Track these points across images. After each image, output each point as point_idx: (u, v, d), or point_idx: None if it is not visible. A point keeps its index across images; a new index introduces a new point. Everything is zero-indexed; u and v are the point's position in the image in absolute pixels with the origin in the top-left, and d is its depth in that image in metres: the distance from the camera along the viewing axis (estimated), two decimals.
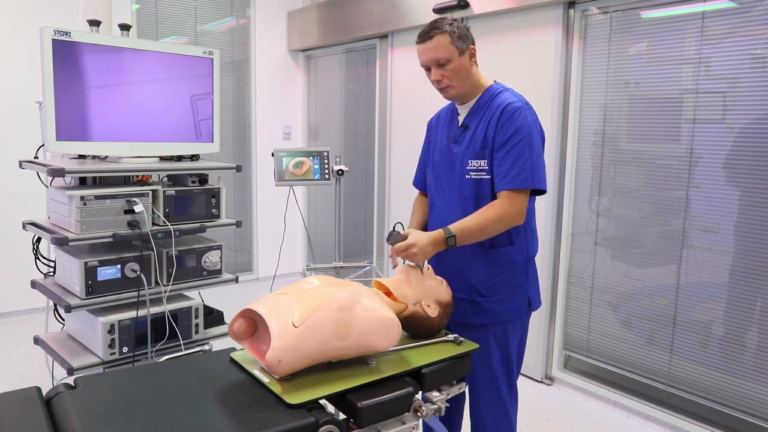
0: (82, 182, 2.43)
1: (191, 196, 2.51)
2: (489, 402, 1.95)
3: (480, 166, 1.85)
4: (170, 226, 2.40)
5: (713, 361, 2.78)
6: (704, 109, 2.73)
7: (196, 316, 2.53)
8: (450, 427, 2.13)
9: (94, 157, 2.49)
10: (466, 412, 2.11)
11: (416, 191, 2.27)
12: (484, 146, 1.84)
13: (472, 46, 1.85)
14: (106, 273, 2.28)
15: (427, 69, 1.87)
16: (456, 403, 2.13)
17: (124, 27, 2.50)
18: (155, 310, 2.37)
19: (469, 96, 1.90)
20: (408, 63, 4.24)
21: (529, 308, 1.95)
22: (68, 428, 1.28)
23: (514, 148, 1.77)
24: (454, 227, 1.76)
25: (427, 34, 1.82)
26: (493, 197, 1.83)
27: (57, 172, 2.18)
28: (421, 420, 1.55)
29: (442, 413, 1.61)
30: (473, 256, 1.90)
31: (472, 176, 1.87)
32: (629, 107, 3.06)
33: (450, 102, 2.02)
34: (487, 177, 1.84)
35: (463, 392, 2.12)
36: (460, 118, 1.94)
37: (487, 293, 1.89)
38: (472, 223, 1.77)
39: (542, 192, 1.84)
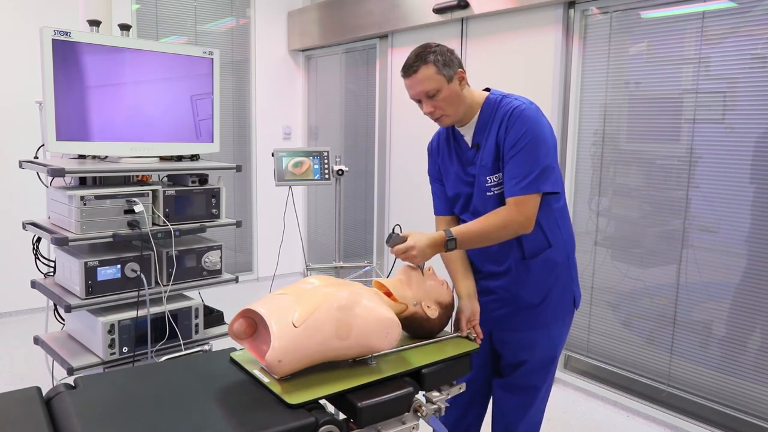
0: (82, 182, 2.43)
1: (191, 196, 2.51)
2: (525, 404, 1.95)
3: (499, 179, 1.79)
4: (170, 226, 2.40)
5: (713, 361, 2.78)
6: (704, 109, 2.73)
7: (196, 316, 2.53)
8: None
9: (94, 157, 2.49)
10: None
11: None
12: (497, 158, 1.78)
13: (459, 69, 1.77)
14: (106, 273, 2.28)
15: (418, 101, 1.81)
16: (478, 409, 2.10)
17: (124, 27, 2.50)
18: (155, 310, 2.37)
19: (466, 117, 1.83)
20: None
21: (574, 306, 1.92)
22: (68, 428, 1.28)
23: (518, 153, 1.72)
24: (455, 230, 1.73)
25: (410, 67, 1.76)
26: None
27: (57, 172, 2.18)
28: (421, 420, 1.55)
29: (442, 413, 1.61)
30: (516, 269, 1.86)
31: (494, 192, 1.81)
32: (629, 107, 3.06)
33: None
34: None
35: (486, 402, 2.10)
36: (467, 139, 1.87)
37: (537, 300, 1.86)
38: (474, 228, 1.74)
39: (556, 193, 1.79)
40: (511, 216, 1.71)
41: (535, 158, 1.71)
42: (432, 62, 1.73)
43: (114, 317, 2.28)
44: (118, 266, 2.31)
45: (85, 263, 2.23)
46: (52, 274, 2.54)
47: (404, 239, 1.71)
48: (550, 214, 1.82)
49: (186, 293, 2.61)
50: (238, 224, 2.67)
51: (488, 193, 1.82)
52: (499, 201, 1.80)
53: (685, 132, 2.81)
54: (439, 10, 3.75)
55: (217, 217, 2.60)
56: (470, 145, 1.87)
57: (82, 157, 2.50)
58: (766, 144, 2.54)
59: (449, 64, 1.75)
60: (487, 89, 1.88)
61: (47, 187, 2.45)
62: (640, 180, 3.04)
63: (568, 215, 1.92)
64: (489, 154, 1.80)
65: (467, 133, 1.87)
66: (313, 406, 1.38)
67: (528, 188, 1.71)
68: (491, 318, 1.91)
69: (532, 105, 1.77)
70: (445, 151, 1.96)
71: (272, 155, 2.81)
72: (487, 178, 1.81)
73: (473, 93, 1.84)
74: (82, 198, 2.20)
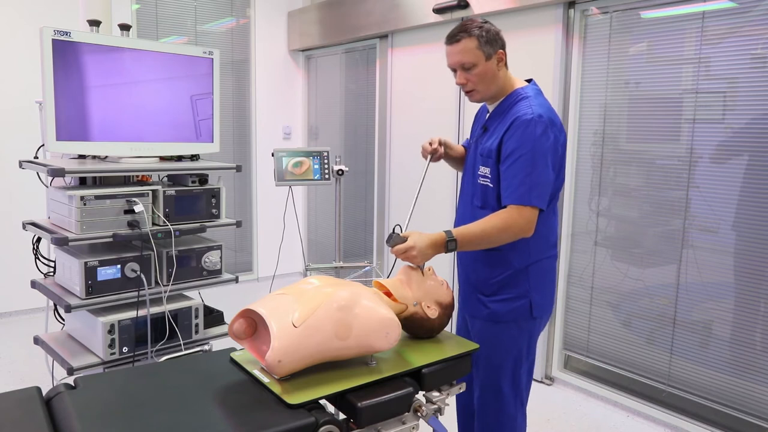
0: (82, 182, 2.43)
1: (191, 196, 2.51)
2: (490, 400, 1.95)
3: (486, 173, 1.85)
4: (170, 226, 2.40)
5: (713, 361, 2.78)
6: (704, 109, 2.73)
7: (196, 316, 2.53)
8: None
9: (94, 157, 2.49)
10: None
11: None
12: (490, 155, 1.83)
13: (500, 50, 1.82)
14: (106, 273, 2.28)
15: (454, 71, 1.86)
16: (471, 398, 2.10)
17: (124, 27, 2.50)
18: (155, 310, 2.37)
19: (495, 98, 1.89)
20: (408, 63, 4.24)
21: (530, 314, 1.90)
22: (68, 428, 1.28)
23: (515, 163, 1.75)
24: (456, 231, 1.75)
25: (454, 36, 1.80)
26: (499, 207, 1.81)
27: (57, 172, 2.18)
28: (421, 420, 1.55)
29: (442, 413, 1.61)
30: (475, 255, 1.92)
31: (481, 181, 1.88)
32: (629, 107, 3.06)
33: None
34: (491, 185, 1.84)
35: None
36: (487, 117, 1.94)
37: (487, 292, 1.90)
38: (476, 230, 1.76)
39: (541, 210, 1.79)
40: (513, 220, 1.74)
41: (529, 171, 1.73)
42: (475, 36, 1.77)
43: (114, 317, 2.28)
44: (118, 266, 2.31)
45: (85, 263, 2.23)
46: (52, 274, 2.54)
47: (404, 239, 1.72)
48: None
49: (186, 293, 2.61)
50: (238, 224, 2.67)
51: (478, 180, 1.89)
52: (483, 192, 1.87)
53: (685, 132, 2.81)
54: (439, 10, 3.75)
55: (217, 217, 2.60)
56: (483, 124, 1.93)
57: (82, 157, 2.50)
58: (766, 144, 2.54)
59: (492, 42, 1.79)
60: (529, 80, 1.91)
61: (47, 187, 2.45)
62: (640, 180, 3.04)
63: (549, 233, 1.92)
64: (488, 147, 1.85)
65: (490, 112, 1.93)
66: (313, 406, 1.38)
67: (521, 199, 1.74)
68: (461, 293, 2.00)
69: (543, 117, 1.76)
70: (479, 116, 2.05)
71: (272, 155, 2.81)
72: (480, 166, 1.88)
73: (510, 79, 1.89)
74: (82, 198, 2.20)
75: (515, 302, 1.89)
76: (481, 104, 2.04)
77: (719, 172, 2.70)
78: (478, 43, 1.77)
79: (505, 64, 1.86)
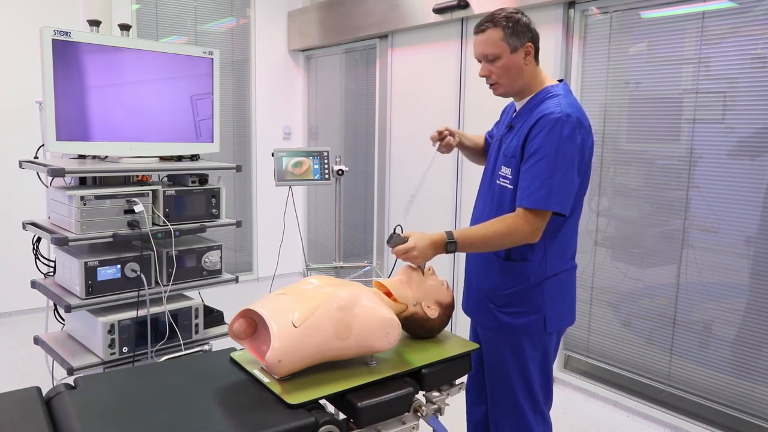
0: (82, 182, 2.43)
1: (191, 196, 2.51)
2: (507, 414, 1.87)
3: (506, 174, 1.77)
4: (170, 226, 2.40)
5: (713, 361, 2.78)
6: (704, 109, 2.73)
7: (196, 316, 2.53)
8: None
9: (94, 157, 2.49)
10: None
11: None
12: (514, 155, 1.74)
13: (528, 43, 1.72)
14: (106, 273, 2.28)
15: (479, 61, 1.79)
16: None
17: (124, 27, 2.50)
18: (155, 310, 2.37)
19: (522, 94, 1.80)
20: (408, 63, 4.24)
21: (545, 328, 1.80)
22: (68, 428, 1.28)
23: (537, 163, 1.66)
24: (457, 233, 1.71)
25: (480, 26, 1.74)
26: (513, 210, 1.73)
27: (57, 172, 2.18)
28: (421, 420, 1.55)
29: (442, 413, 1.61)
30: (489, 263, 1.85)
31: (500, 182, 1.80)
32: (629, 107, 3.06)
33: None
34: (510, 187, 1.76)
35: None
36: (514, 115, 1.85)
37: (498, 303, 1.83)
38: (478, 233, 1.72)
39: (562, 215, 1.70)
40: (517, 225, 1.67)
41: (550, 173, 1.65)
42: (501, 27, 1.71)
43: (114, 317, 2.28)
44: (118, 266, 2.31)
45: (85, 263, 2.23)
46: (52, 274, 2.54)
47: (405, 240, 1.71)
48: (545, 233, 1.74)
49: (186, 293, 2.61)
50: (238, 224, 2.67)
51: (497, 181, 1.82)
52: (500, 194, 1.80)
53: (685, 132, 2.81)
54: (439, 10, 3.75)
55: (217, 217, 2.60)
56: (508, 122, 1.85)
57: (82, 157, 2.50)
58: (766, 144, 2.54)
59: (519, 34, 1.71)
60: (561, 80, 1.84)
61: (47, 187, 2.45)
62: (640, 180, 3.04)
63: (568, 245, 1.84)
64: (512, 147, 1.77)
65: (518, 110, 1.85)
66: (313, 406, 1.38)
67: (538, 202, 1.65)
68: (470, 300, 1.94)
69: (571, 117, 1.67)
70: (505, 115, 1.97)
71: (272, 155, 2.81)
72: (502, 167, 1.80)
73: (540, 76, 1.80)
74: (82, 198, 2.20)
75: (528, 317, 1.79)
76: (509, 101, 1.94)
77: (719, 172, 2.70)
78: (504, 35, 1.70)
79: (535, 59, 1.76)
